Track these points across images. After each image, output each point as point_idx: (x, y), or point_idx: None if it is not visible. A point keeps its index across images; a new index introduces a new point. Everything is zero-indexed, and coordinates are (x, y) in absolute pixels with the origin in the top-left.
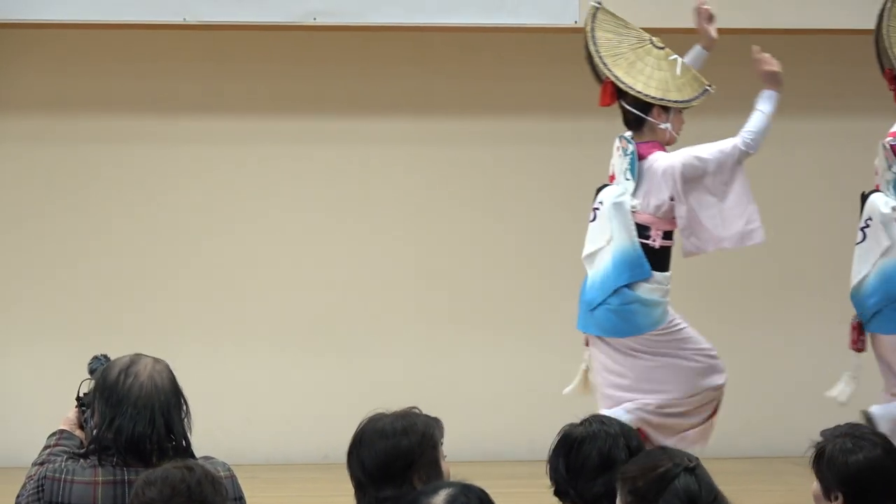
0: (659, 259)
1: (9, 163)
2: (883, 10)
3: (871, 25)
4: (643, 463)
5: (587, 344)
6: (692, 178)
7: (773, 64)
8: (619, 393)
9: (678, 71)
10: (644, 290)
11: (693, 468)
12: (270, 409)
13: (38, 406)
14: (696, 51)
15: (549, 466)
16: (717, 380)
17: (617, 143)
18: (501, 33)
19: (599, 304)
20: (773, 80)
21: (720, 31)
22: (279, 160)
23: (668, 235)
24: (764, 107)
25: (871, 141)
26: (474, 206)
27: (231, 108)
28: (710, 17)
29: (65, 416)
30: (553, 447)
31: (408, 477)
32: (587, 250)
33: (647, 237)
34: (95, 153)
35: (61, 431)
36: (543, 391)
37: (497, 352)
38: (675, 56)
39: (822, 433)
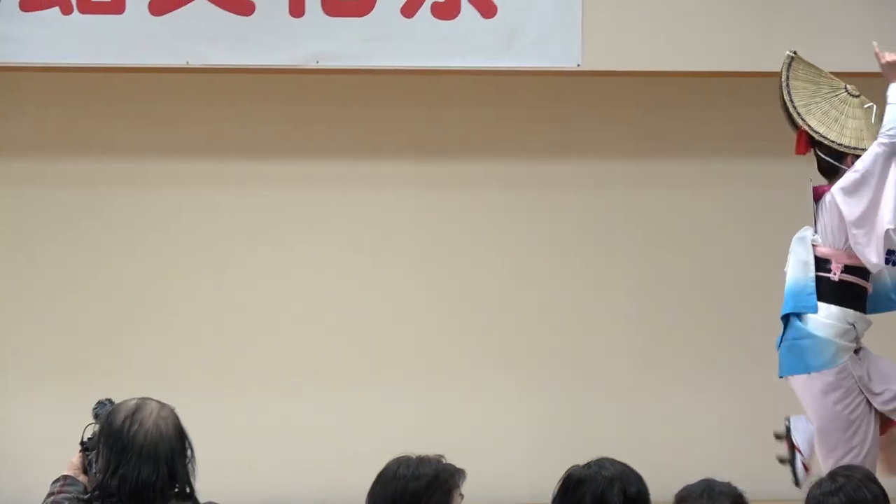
0: (839, 294)
1: (12, 206)
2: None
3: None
4: (684, 492)
5: None
6: (850, 191)
7: (889, 56)
8: None
9: (873, 119)
10: (816, 325)
11: None
12: (269, 454)
13: (44, 450)
14: None
15: None
16: None
17: None
18: (505, 76)
19: (781, 342)
20: (891, 71)
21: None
22: (283, 203)
23: (851, 270)
24: (891, 97)
25: None
26: (478, 249)
27: (237, 151)
28: None
29: (69, 460)
30: (556, 489)
31: None
32: None
33: (828, 270)
34: (97, 196)
35: (65, 477)
36: (545, 434)
37: (498, 394)
38: (871, 104)
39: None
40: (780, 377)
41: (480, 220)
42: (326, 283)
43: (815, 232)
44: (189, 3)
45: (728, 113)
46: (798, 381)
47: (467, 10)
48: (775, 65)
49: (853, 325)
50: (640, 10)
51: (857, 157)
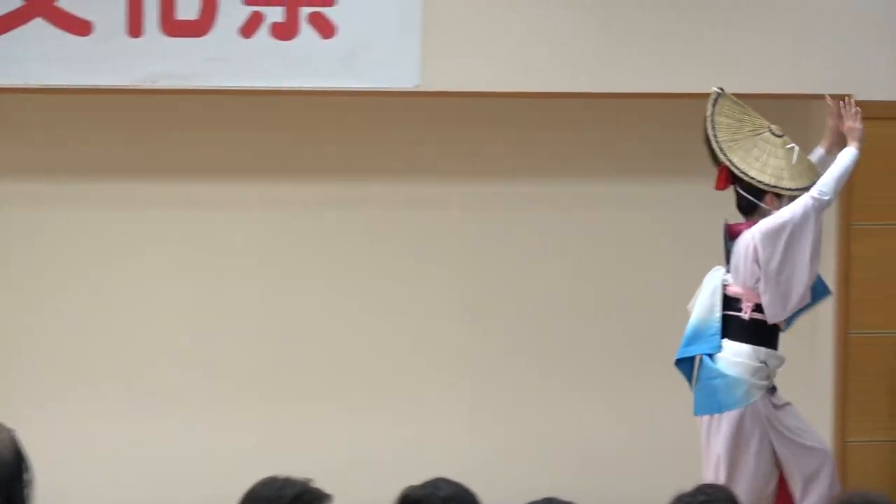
0: (751, 332)
1: None
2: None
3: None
4: None
5: None
6: (770, 238)
7: (855, 121)
8: None
9: (794, 159)
10: (726, 364)
11: None
12: (167, 470)
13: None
14: (818, 153)
15: None
16: None
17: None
18: (353, 97)
19: (696, 383)
20: (851, 136)
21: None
22: (144, 221)
23: (762, 308)
24: (840, 158)
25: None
26: (327, 271)
27: (120, 171)
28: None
29: None
30: None
31: None
32: None
33: (739, 309)
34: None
35: None
36: (406, 457)
37: (373, 418)
38: (793, 145)
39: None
40: (696, 415)
41: (328, 242)
42: (207, 306)
43: (728, 271)
44: (25, 23)
45: (583, 134)
46: (710, 422)
47: (306, 30)
48: (620, 85)
49: (765, 362)
50: (482, 31)
51: (777, 195)
